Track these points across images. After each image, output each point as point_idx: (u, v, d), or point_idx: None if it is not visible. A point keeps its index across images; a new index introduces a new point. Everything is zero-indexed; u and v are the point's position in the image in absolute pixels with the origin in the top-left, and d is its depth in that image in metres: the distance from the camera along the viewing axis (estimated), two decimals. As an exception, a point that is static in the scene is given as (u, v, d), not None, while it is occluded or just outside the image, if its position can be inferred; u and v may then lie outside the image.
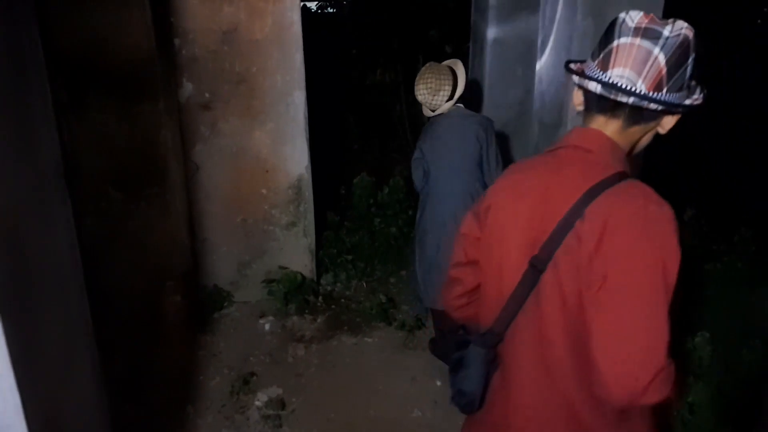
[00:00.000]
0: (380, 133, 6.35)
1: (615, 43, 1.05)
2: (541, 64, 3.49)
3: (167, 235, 2.84)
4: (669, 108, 1.05)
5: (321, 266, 3.66)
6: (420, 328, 3.19)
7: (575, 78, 1.11)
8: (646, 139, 1.14)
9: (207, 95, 3.10)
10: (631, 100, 1.03)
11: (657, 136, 1.14)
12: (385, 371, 2.90)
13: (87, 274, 1.47)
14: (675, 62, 1.02)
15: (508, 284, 1.13)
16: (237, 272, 3.42)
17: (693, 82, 1.07)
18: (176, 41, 2.98)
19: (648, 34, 1.02)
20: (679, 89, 1.04)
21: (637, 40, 1.02)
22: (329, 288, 3.61)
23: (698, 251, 3.49)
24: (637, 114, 1.07)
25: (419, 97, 2.64)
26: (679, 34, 1.01)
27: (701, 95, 1.07)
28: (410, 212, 3.97)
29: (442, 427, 2.53)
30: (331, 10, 7.14)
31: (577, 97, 1.15)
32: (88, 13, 2.43)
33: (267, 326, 3.23)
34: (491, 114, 3.73)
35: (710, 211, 4.04)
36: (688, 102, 1.05)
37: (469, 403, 1.21)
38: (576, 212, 1.03)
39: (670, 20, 1.04)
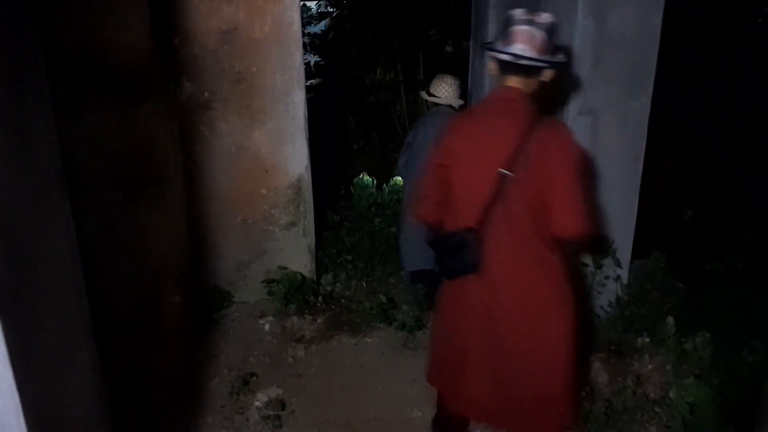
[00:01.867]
0: (380, 133, 6.34)
1: (514, 28, 1.78)
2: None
3: (167, 235, 2.83)
4: (546, 64, 1.81)
5: (321, 266, 3.65)
6: (420, 328, 3.19)
7: (492, 53, 1.83)
8: (536, 86, 1.86)
9: (206, 95, 3.10)
10: (527, 62, 1.78)
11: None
12: (385, 372, 2.90)
13: (86, 274, 1.47)
14: (547, 37, 1.78)
15: (482, 193, 1.84)
16: (237, 272, 3.42)
17: (559, 48, 1.87)
18: (176, 41, 2.98)
19: (531, 23, 1.77)
20: (552, 53, 1.82)
21: (526, 27, 1.77)
22: (329, 288, 3.61)
23: (698, 251, 3.49)
24: (529, 70, 1.81)
25: (441, 88, 3.22)
26: (547, 21, 1.78)
27: (563, 56, 1.87)
28: (410, 212, 3.97)
29: (443, 427, 2.52)
30: (331, 10, 7.11)
31: (492, 66, 1.88)
32: (87, 12, 2.42)
33: (267, 326, 3.23)
34: (491, 114, 3.72)
35: (710, 210, 4.03)
36: (557, 60, 1.83)
37: (477, 268, 1.88)
38: (525, 140, 1.78)
39: (538, 14, 1.78)
